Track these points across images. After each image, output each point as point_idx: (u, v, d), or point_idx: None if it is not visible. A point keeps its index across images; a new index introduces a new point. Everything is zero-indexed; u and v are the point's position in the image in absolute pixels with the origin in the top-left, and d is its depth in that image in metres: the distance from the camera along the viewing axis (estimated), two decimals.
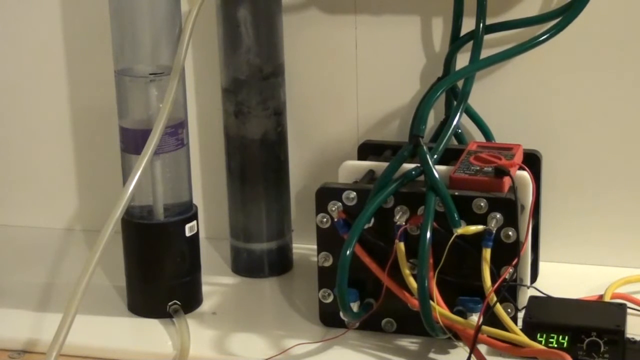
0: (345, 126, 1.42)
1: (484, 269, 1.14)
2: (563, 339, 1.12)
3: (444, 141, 1.21)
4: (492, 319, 1.12)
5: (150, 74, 1.24)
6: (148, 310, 1.29)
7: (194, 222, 1.29)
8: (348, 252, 1.14)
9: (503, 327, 1.13)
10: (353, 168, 1.26)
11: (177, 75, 1.22)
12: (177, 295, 1.28)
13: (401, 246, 1.15)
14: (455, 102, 1.33)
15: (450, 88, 1.33)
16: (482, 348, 1.14)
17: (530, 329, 1.13)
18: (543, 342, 1.12)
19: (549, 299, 1.20)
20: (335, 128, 1.43)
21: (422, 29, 1.37)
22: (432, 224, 1.13)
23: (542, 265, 1.35)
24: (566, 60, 1.33)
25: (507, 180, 1.17)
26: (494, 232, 1.14)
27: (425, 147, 1.16)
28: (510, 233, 1.15)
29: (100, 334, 1.26)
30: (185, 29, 1.23)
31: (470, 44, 1.30)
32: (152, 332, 1.26)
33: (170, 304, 1.28)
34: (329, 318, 1.23)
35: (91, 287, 1.14)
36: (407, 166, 1.18)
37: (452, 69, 1.33)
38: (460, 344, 1.17)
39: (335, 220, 1.19)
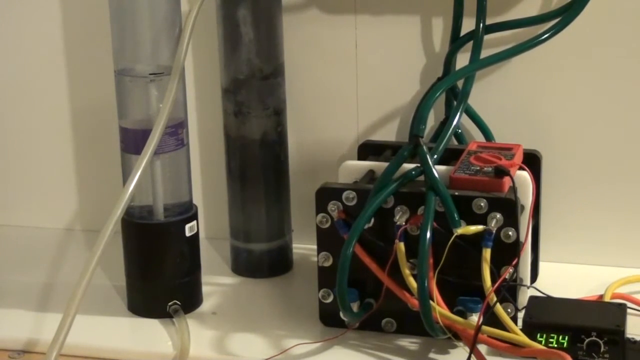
0: (345, 126, 1.42)
1: (484, 269, 1.14)
2: (563, 339, 1.12)
3: (444, 141, 1.21)
4: (492, 319, 1.12)
5: (150, 74, 1.24)
6: (148, 310, 1.29)
7: (194, 222, 1.29)
8: (348, 252, 1.14)
9: (503, 327, 1.12)
10: (353, 168, 1.26)
11: (177, 75, 1.22)
12: (177, 295, 1.28)
13: (401, 246, 1.15)
14: (455, 102, 1.33)
15: (450, 88, 1.33)
16: (482, 348, 1.14)
17: (530, 329, 1.13)
18: (543, 342, 1.12)
19: (549, 299, 1.20)
20: (335, 128, 1.43)
21: (422, 29, 1.37)
22: (432, 224, 1.13)
23: (542, 265, 1.35)
24: (566, 60, 1.33)
25: (507, 180, 1.17)
26: (494, 232, 1.14)
27: (425, 147, 1.16)
28: (510, 233, 1.15)
29: (100, 334, 1.26)
30: (185, 29, 1.24)
31: (470, 44, 1.31)
32: (152, 332, 1.26)
33: (170, 304, 1.28)
34: (329, 318, 1.23)
35: (91, 287, 1.15)
36: (407, 166, 1.18)
37: (452, 69, 1.33)
38: (460, 344, 1.17)
39: (335, 220, 1.19)
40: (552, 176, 1.34)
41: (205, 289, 1.33)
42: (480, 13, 1.29)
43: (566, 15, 1.26)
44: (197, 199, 1.36)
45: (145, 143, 1.20)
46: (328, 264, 1.21)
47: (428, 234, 1.12)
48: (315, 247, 1.22)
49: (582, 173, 1.36)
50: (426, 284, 1.11)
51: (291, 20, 1.38)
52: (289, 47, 1.37)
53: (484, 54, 1.29)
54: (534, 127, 1.35)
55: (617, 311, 1.16)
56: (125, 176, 1.26)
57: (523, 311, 1.17)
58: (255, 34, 1.32)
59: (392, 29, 1.37)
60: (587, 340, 1.12)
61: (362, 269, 1.18)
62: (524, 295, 1.21)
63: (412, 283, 1.14)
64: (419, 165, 1.17)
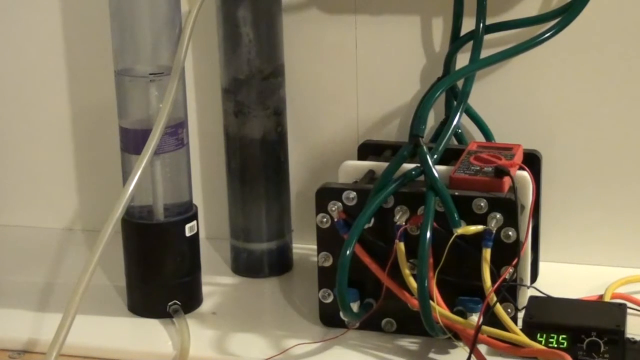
0: (345, 126, 1.42)
1: (484, 269, 1.14)
2: (563, 339, 1.12)
3: (444, 141, 1.21)
4: (492, 319, 1.12)
5: (150, 74, 1.24)
6: (148, 310, 1.29)
7: (194, 222, 1.29)
8: (348, 252, 1.14)
9: (503, 327, 1.13)
10: (353, 168, 1.26)
11: (177, 75, 1.22)
12: (177, 295, 1.28)
13: (401, 246, 1.15)
14: (455, 102, 1.33)
15: (450, 88, 1.33)
16: (482, 348, 1.14)
17: (530, 329, 1.13)
18: (543, 342, 1.12)
19: (549, 299, 1.20)
20: (335, 128, 1.43)
21: (422, 29, 1.37)
22: (432, 224, 1.13)
23: (542, 265, 1.35)
24: (566, 60, 1.33)
25: (507, 180, 1.17)
26: (494, 232, 1.14)
27: (425, 147, 1.16)
28: (510, 233, 1.15)
29: (100, 334, 1.26)
30: (185, 29, 1.23)
31: (470, 44, 1.31)
32: (152, 332, 1.26)
33: (170, 304, 1.28)
34: (329, 318, 1.23)
35: (91, 287, 1.14)
36: (407, 166, 1.18)
37: (452, 69, 1.33)
38: (460, 344, 1.17)
39: (335, 220, 1.19)
40: (552, 176, 1.34)
41: (205, 289, 1.33)
42: (480, 13, 1.29)
43: (566, 15, 1.26)
44: (197, 199, 1.36)
45: (145, 143, 1.20)
46: (328, 264, 1.21)
47: (428, 234, 1.12)
48: (315, 247, 1.22)
49: (582, 173, 1.36)
50: (426, 284, 1.11)
51: (291, 20, 1.38)
52: (289, 47, 1.37)
53: (484, 54, 1.29)
54: (534, 127, 1.35)
55: (617, 311, 1.16)
56: (125, 176, 1.26)
57: (523, 311, 1.17)
58: (255, 34, 1.32)
59: (392, 29, 1.37)
60: (587, 340, 1.12)
61: (362, 269, 1.18)
62: (524, 295, 1.21)
63: (412, 283, 1.14)
64: (419, 165, 1.17)
